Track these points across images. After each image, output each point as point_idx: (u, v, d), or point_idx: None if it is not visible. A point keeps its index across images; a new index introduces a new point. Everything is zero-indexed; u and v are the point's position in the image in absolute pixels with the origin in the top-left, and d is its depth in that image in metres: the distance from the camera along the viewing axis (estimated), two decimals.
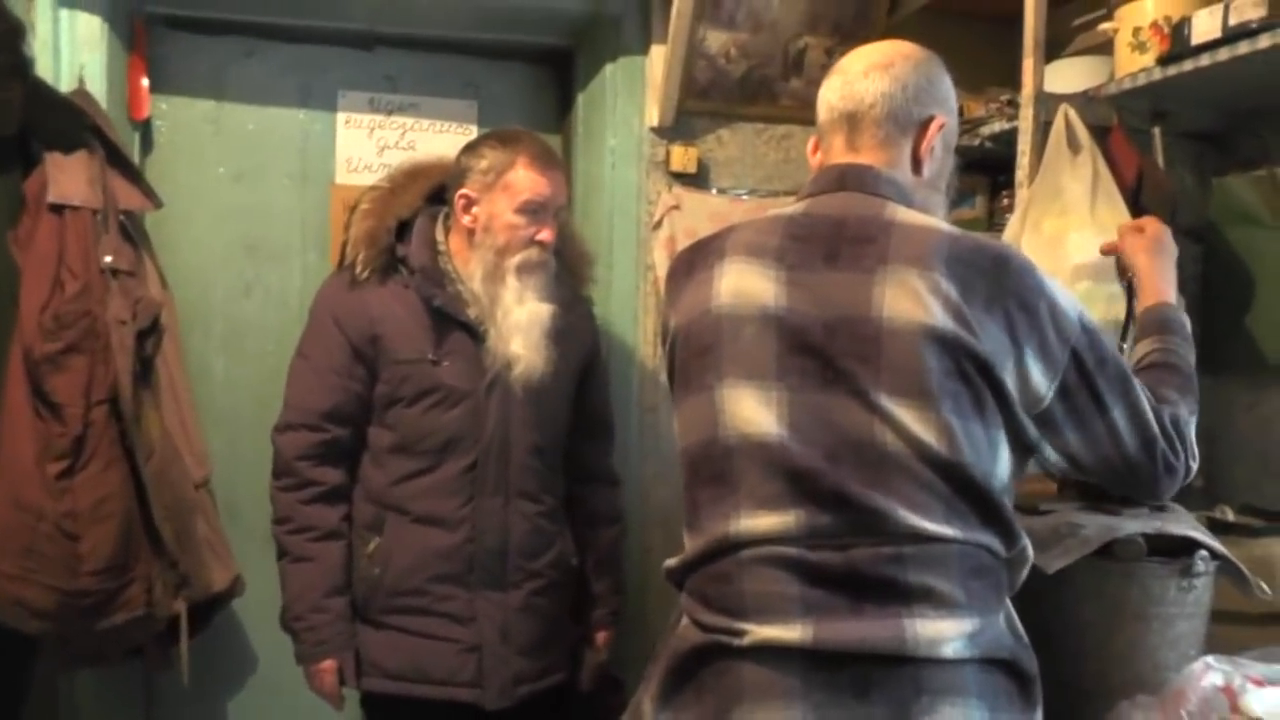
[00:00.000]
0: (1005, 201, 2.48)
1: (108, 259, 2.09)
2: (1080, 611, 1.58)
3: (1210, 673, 1.47)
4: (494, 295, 2.01)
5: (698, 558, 1.31)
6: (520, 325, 2.00)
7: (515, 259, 2.01)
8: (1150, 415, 1.34)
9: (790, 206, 1.41)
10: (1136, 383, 1.35)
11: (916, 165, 1.41)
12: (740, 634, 1.23)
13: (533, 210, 2.00)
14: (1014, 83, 2.74)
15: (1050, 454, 1.34)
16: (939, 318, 1.24)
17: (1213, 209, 2.16)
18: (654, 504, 2.58)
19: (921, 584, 1.20)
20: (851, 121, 1.40)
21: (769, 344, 1.29)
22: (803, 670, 1.19)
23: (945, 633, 1.20)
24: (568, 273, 2.18)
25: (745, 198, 2.63)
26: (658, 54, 2.54)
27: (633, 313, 2.58)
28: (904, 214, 1.34)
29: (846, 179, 1.39)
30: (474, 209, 2.02)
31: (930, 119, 1.40)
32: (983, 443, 1.26)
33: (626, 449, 2.49)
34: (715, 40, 2.53)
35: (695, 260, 1.42)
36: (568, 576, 2.18)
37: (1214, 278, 2.12)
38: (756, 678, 1.21)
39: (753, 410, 1.28)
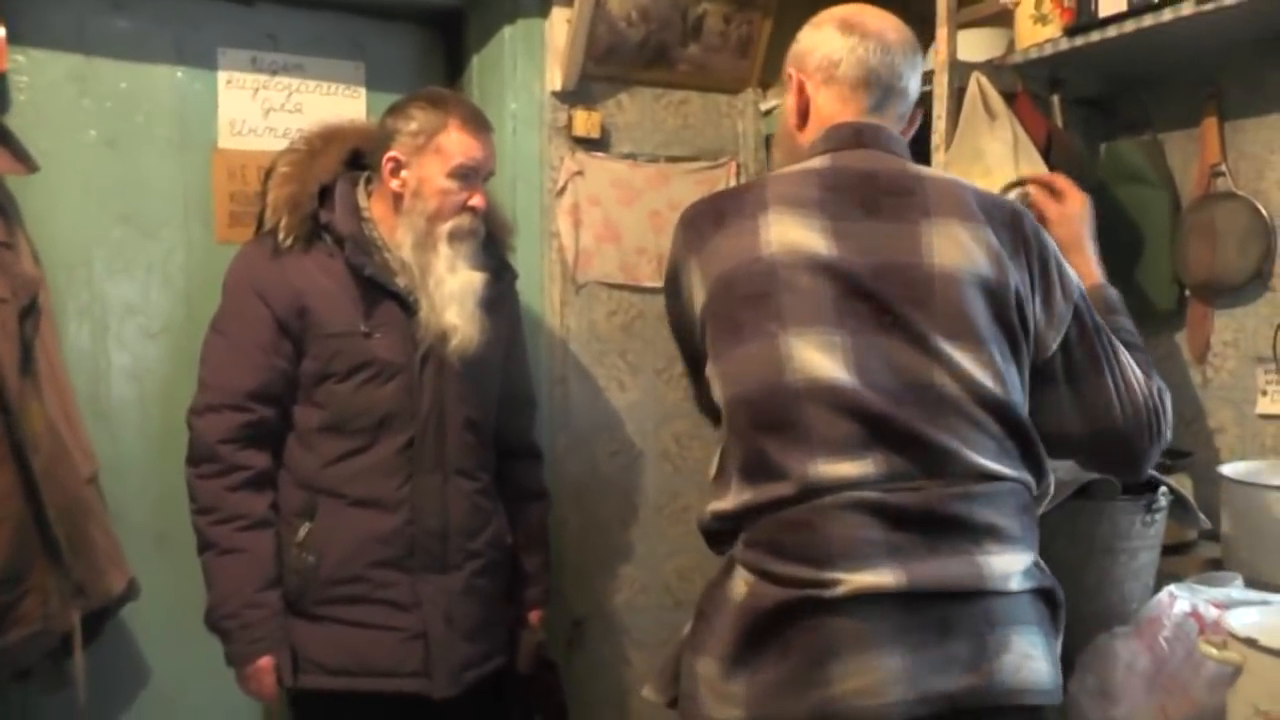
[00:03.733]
0: None
1: None
2: (1052, 548, 1.65)
3: (1178, 601, 1.59)
4: (425, 264, 1.92)
5: (767, 503, 1.27)
6: (454, 295, 1.92)
7: (447, 225, 1.92)
8: (1141, 383, 1.41)
9: (812, 161, 1.42)
10: (1125, 353, 1.42)
11: None
12: (831, 584, 1.20)
13: (465, 174, 1.92)
14: None
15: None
16: (983, 265, 1.32)
17: (1103, 170, 2.30)
18: (566, 477, 2.54)
19: (986, 521, 1.25)
20: (888, 92, 1.46)
21: (825, 290, 1.29)
22: (893, 615, 1.19)
23: (1012, 566, 1.26)
24: (493, 241, 2.10)
25: (645, 163, 2.60)
26: (558, 16, 2.48)
27: (539, 282, 2.51)
28: (927, 170, 1.43)
29: (863, 136, 1.43)
30: (403, 173, 1.92)
31: (919, 107, 1.53)
32: (1019, 384, 1.33)
33: (538, 421, 2.43)
34: (616, 3, 2.49)
35: (725, 210, 1.40)
36: (504, 555, 2.11)
37: (1105, 234, 2.25)
38: (849, 628, 1.19)
39: (819, 356, 1.27)
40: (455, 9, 2.59)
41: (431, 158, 1.91)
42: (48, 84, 2.22)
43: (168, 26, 2.33)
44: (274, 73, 2.42)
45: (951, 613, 1.21)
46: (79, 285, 2.26)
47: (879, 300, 1.28)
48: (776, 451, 1.27)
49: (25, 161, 1.97)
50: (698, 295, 1.40)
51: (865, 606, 1.20)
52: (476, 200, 1.94)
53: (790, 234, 1.33)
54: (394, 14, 2.57)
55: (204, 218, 2.38)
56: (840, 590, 1.20)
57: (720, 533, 1.36)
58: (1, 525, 1.80)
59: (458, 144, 1.91)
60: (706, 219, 1.41)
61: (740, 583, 1.29)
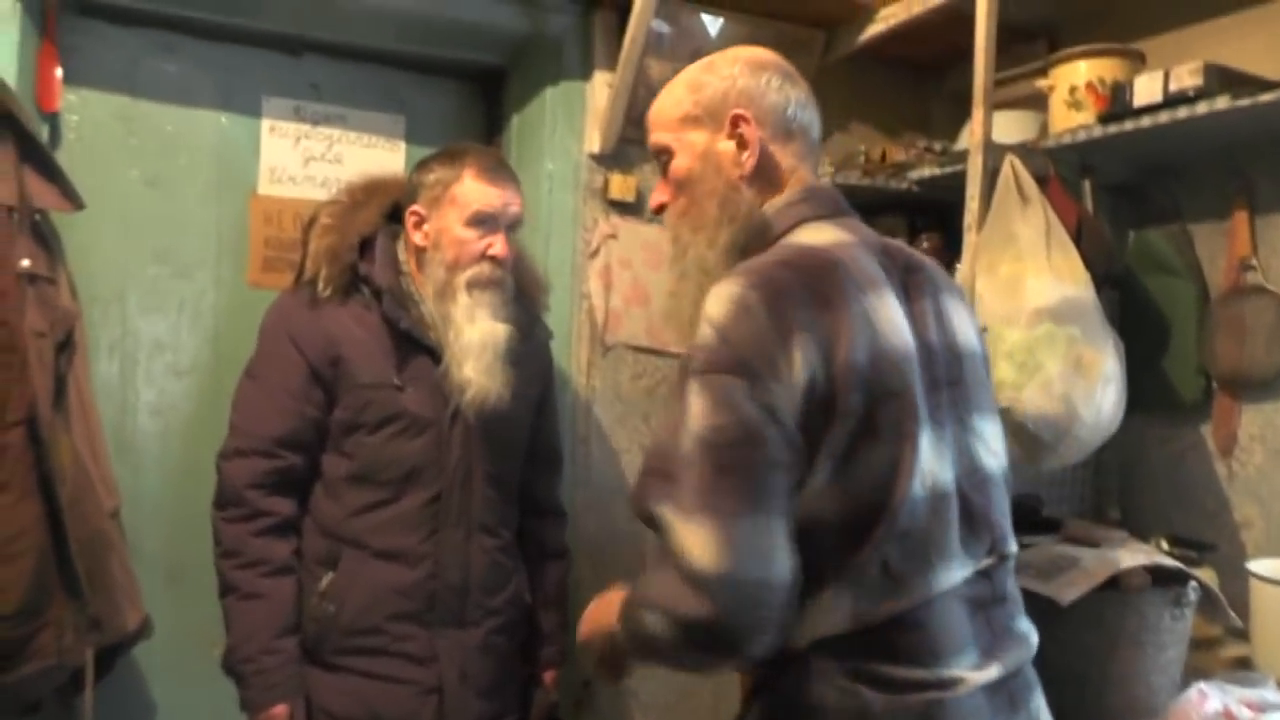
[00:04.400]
0: (925, 245, 2.58)
1: (25, 263, 1.87)
2: (1081, 638, 1.65)
3: (1209, 699, 1.57)
4: (445, 314, 1.92)
5: (883, 617, 1.16)
6: (472, 347, 1.90)
7: (466, 274, 1.91)
8: None
9: (831, 231, 1.30)
10: None
11: None
12: (952, 684, 1.16)
13: (482, 221, 1.91)
14: (925, 129, 2.91)
15: None
16: (976, 336, 1.37)
17: (1131, 258, 2.32)
18: (584, 536, 2.53)
19: (1013, 593, 1.31)
20: (818, 156, 1.42)
21: (919, 384, 1.22)
22: (984, 700, 1.19)
23: (1034, 632, 1.31)
24: (525, 297, 2.11)
25: None
26: (599, 80, 2.52)
27: (567, 341, 2.52)
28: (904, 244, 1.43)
29: (841, 203, 1.37)
30: (425, 226, 1.94)
31: None
32: None
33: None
34: (656, 69, 2.53)
35: (824, 289, 1.18)
36: (522, 613, 2.11)
37: (1131, 322, 2.28)
38: None
39: (932, 457, 1.20)
40: (497, 67, 2.64)
41: (449, 208, 1.92)
42: (96, 123, 2.26)
43: (215, 72, 2.37)
44: (316, 123, 2.46)
45: (1012, 686, 1.23)
46: (112, 320, 2.28)
47: (942, 389, 1.26)
48: (897, 560, 1.17)
49: (73, 199, 1.99)
50: (795, 384, 1.13)
51: (968, 699, 1.17)
52: (496, 248, 1.92)
53: (892, 320, 1.22)
54: (436, 69, 2.62)
55: (237, 261, 2.40)
56: (961, 690, 1.16)
57: (801, 656, 1.20)
58: (24, 557, 1.80)
59: (473, 192, 1.91)
60: (801, 298, 1.16)
61: (829, 689, 1.17)
